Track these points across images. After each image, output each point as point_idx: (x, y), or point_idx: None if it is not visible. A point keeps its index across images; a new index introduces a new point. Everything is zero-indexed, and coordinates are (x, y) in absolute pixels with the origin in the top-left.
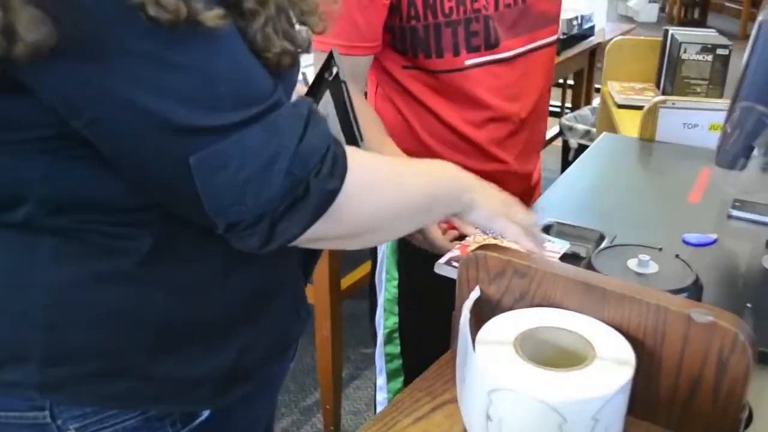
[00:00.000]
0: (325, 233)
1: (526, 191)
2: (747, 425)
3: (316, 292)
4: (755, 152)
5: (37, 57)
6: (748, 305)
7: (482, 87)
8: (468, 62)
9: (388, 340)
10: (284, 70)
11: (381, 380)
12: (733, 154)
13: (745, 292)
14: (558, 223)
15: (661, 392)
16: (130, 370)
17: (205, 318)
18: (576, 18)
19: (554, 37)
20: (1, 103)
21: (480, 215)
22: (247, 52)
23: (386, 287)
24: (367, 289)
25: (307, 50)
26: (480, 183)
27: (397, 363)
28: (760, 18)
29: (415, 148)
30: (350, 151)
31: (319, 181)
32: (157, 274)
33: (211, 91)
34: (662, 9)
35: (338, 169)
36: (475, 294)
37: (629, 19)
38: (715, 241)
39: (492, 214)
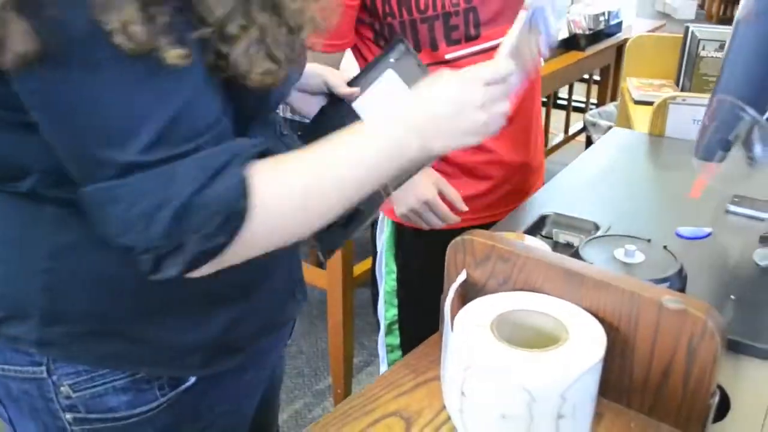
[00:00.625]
0: (238, 259)
1: (523, 181)
2: (724, 414)
3: (329, 278)
4: (737, 148)
5: (23, 65)
6: (732, 297)
7: None
8: (449, 56)
9: (389, 331)
10: (271, 87)
11: (383, 369)
12: (710, 146)
13: (732, 285)
14: (555, 213)
15: (634, 376)
16: (121, 332)
17: (196, 289)
18: (603, 14)
19: None
20: None
21: (443, 146)
22: (200, 89)
23: (386, 279)
24: (371, 279)
25: (297, 62)
26: (427, 115)
27: (398, 353)
28: (737, 16)
29: None
30: (260, 186)
31: (199, 237)
32: None
33: (132, 129)
34: (701, 6)
35: (229, 226)
36: (462, 277)
37: (666, 16)
38: (709, 235)
39: (459, 134)
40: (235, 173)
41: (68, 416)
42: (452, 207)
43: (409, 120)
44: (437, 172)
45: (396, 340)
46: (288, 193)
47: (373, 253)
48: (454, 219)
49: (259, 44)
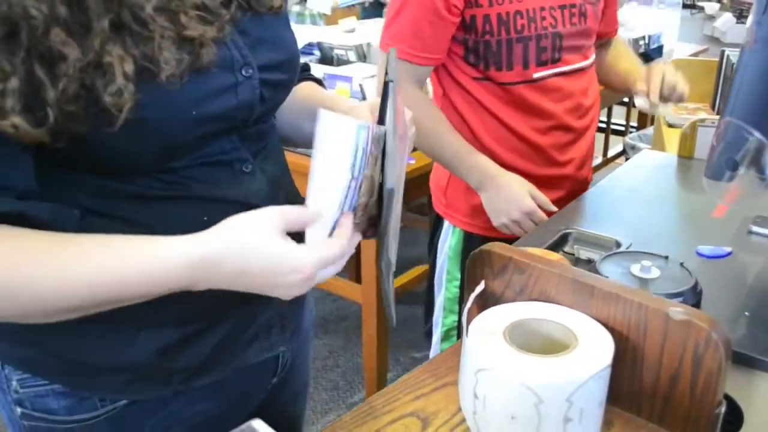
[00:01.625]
0: None
1: (580, 194)
2: (738, 429)
3: (364, 291)
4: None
5: None
6: (746, 313)
7: (548, 97)
8: (536, 75)
9: (445, 337)
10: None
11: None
12: (718, 165)
13: (747, 302)
14: (576, 230)
15: (644, 385)
16: (38, 342)
17: (115, 312)
18: (643, 38)
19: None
20: None
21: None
22: None
23: (447, 287)
24: (421, 293)
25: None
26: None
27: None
28: (742, 43)
29: (485, 155)
30: None
31: None
32: None
33: None
34: None
35: None
36: (480, 287)
37: (715, 40)
38: (729, 254)
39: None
40: None
41: (19, 410)
42: (543, 210)
43: (208, 277)
44: None
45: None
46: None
47: (431, 264)
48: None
49: (17, 96)
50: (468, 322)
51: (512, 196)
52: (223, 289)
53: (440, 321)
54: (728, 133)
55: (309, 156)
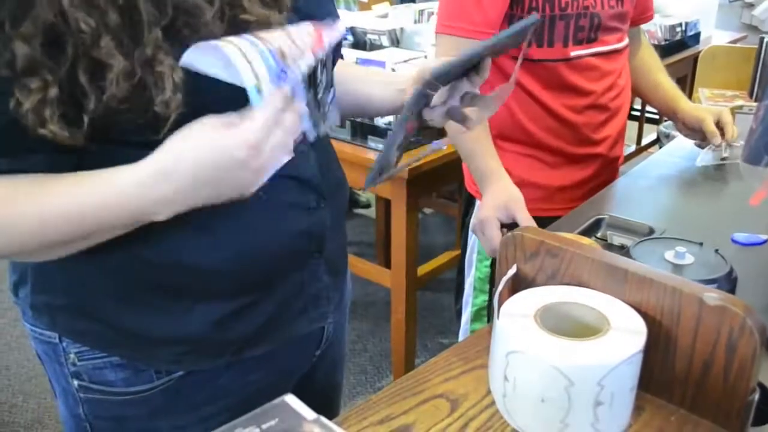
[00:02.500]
0: None
1: (612, 174)
2: None
3: (393, 277)
4: None
5: None
6: None
7: (584, 76)
8: (573, 53)
9: (476, 317)
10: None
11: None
12: (756, 150)
13: None
14: (610, 216)
15: (676, 371)
16: (94, 313)
17: (172, 283)
18: (680, 24)
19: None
20: None
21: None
22: None
23: (477, 267)
24: (449, 279)
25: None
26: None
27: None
28: None
29: (514, 132)
30: None
31: None
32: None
33: None
34: None
35: None
36: (512, 271)
37: (754, 28)
38: (765, 242)
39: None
40: None
41: (75, 383)
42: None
43: (160, 192)
44: (536, 160)
45: (484, 326)
46: None
47: (463, 244)
48: None
49: (56, 105)
50: (499, 305)
51: (483, 203)
52: (190, 206)
53: (470, 300)
54: None
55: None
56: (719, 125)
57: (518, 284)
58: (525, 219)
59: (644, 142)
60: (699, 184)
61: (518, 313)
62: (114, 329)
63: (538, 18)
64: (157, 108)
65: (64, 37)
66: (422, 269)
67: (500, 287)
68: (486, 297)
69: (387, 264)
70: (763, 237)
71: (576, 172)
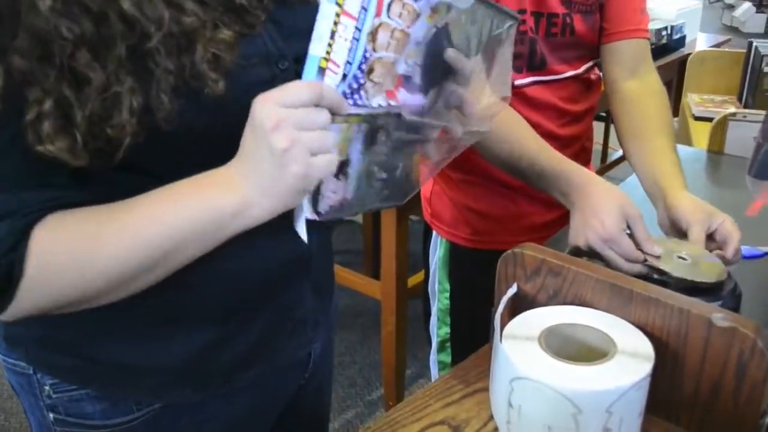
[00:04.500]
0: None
1: None
2: None
3: (383, 288)
4: None
5: None
6: None
7: (529, 106)
8: (516, 82)
9: (441, 348)
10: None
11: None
12: (764, 164)
13: None
14: None
15: (683, 393)
16: (69, 345)
17: (150, 312)
18: (665, 28)
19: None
20: None
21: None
22: None
23: (439, 298)
24: (423, 297)
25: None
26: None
27: (449, 371)
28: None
29: (458, 159)
30: (38, 241)
31: None
32: None
33: None
34: None
35: None
36: (512, 290)
37: (734, 30)
38: (766, 254)
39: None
40: (11, 224)
41: (51, 416)
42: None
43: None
44: (485, 189)
45: (448, 357)
46: (63, 251)
47: (426, 272)
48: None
49: (51, 119)
50: (501, 327)
51: (595, 211)
52: (250, 189)
53: (435, 332)
54: None
55: None
56: (713, 236)
57: (518, 304)
58: (642, 230)
59: None
60: (695, 194)
61: (521, 336)
62: (92, 362)
63: (517, 17)
64: (109, 130)
65: (51, 47)
66: (412, 280)
67: (501, 308)
68: (448, 329)
69: (375, 273)
70: (764, 249)
71: (526, 202)
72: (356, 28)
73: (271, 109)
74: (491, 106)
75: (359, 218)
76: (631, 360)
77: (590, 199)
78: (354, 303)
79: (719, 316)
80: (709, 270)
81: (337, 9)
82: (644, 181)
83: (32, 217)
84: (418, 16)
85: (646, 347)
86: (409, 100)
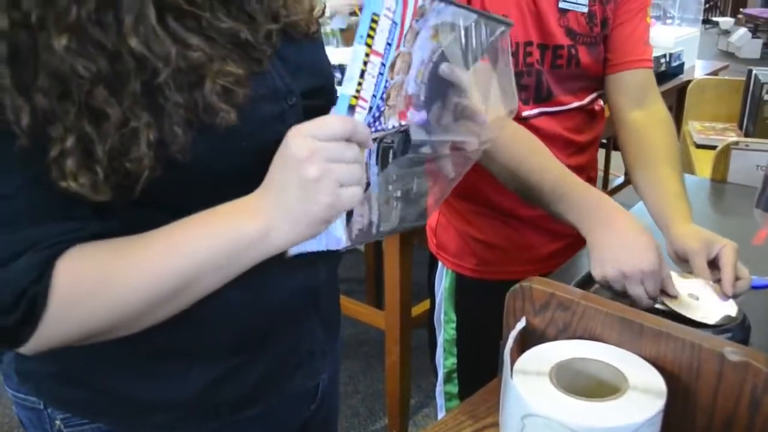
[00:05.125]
0: (42, 344)
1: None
2: None
3: (387, 318)
4: None
5: None
6: None
7: (537, 137)
8: (524, 113)
9: (447, 379)
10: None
11: (441, 417)
12: None
13: None
14: None
15: (696, 428)
16: (80, 380)
17: (160, 345)
18: (664, 56)
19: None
20: None
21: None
22: None
23: (445, 329)
24: (428, 328)
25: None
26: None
27: (456, 402)
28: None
29: (465, 189)
30: (61, 273)
31: None
32: None
33: None
34: (766, 44)
35: (20, 308)
36: (521, 324)
37: (730, 55)
38: None
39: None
40: (33, 257)
41: None
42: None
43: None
44: (493, 219)
45: (455, 388)
46: (85, 282)
47: (431, 302)
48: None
49: (74, 156)
50: (511, 362)
51: (632, 244)
52: (275, 218)
53: (441, 362)
54: None
55: None
56: (714, 262)
57: (527, 338)
58: (667, 269)
59: None
60: (700, 223)
61: (532, 372)
62: (105, 396)
63: (510, 22)
64: (128, 164)
65: (69, 85)
66: (417, 309)
67: (510, 343)
68: (455, 360)
69: (377, 300)
70: None
71: (531, 232)
72: (382, 63)
73: (305, 141)
74: (498, 120)
75: (361, 246)
76: (643, 396)
77: (619, 230)
78: (356, 332)
79: (731, 351)
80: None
81: (366, 50)
82: (651, 212)
83: (55, 249)
84: (417, 34)
85: (658, 383)
86: (417, 117)
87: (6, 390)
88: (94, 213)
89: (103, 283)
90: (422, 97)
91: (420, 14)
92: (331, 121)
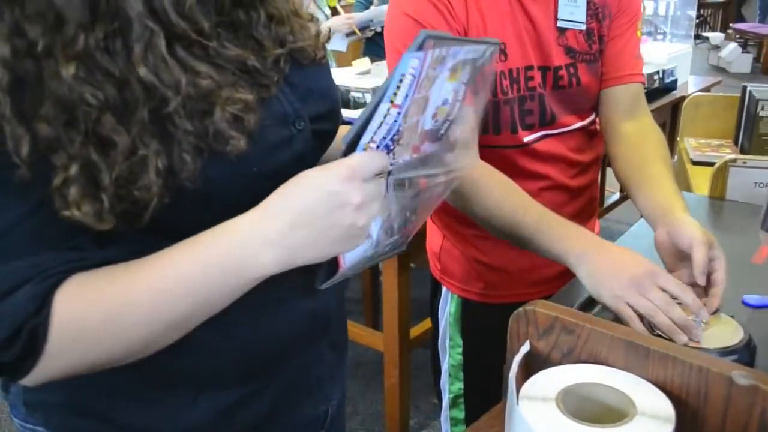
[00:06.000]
0: (43, 376)
1: None
2: None
3: (386, 339)
4: None
5: None
6: None
7: (538, 160)
8: (526, 139)
9: (453, 404)
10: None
11: None
12: None
13: None
14: None
15: None
16: (90, 410)
17: (170, 374)
18: (657, 72)
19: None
20: None
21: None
22: None
23: (450, 353)
24: (431, 354)
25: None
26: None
27: (462, 427)
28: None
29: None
30: (61, 305)
31: None
32: None
33: None
34: (756, 59)
35: (20, 342)
36: (525, 348)
37: (721, 70)
38: None
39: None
40: (33, 289)
41: None
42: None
43: (264, 231)
44: (497, 242)
45: (461, 413)
46: (87, 316)
47: (434, 329)
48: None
49: (78, 184)
50: (517, 387)
51: (624, 259)
52: (291, 255)
53: (447, 387)
54: None
55: None
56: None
57: (531, 362)
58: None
59: None
60: None
61: (538, 397)
62: (111, 426)
63: (497, 42)
64: (137, 192)
65: (75, 113)
66: (415, 330)
67: (514, 368)
68: (461, 384)
69: (374, 322)
70: None
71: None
72: (398, 113)
73: (358, 188)
74: (476, 102)
75: None
76: (652, 422)
77: (609, 253)
78: (354, 353)
79: (740, 374)
80: (722, 331)
81: (389, 105)
82: (644, 205)
83: (54, 280)
84: (434, 79)
85: (667, 408)
86: (430, 149)
87: (13, 420)
88: (101, 242)
89: (109, 315)
90: (442, 132)
91: (439, 62)
92: (372, 160)
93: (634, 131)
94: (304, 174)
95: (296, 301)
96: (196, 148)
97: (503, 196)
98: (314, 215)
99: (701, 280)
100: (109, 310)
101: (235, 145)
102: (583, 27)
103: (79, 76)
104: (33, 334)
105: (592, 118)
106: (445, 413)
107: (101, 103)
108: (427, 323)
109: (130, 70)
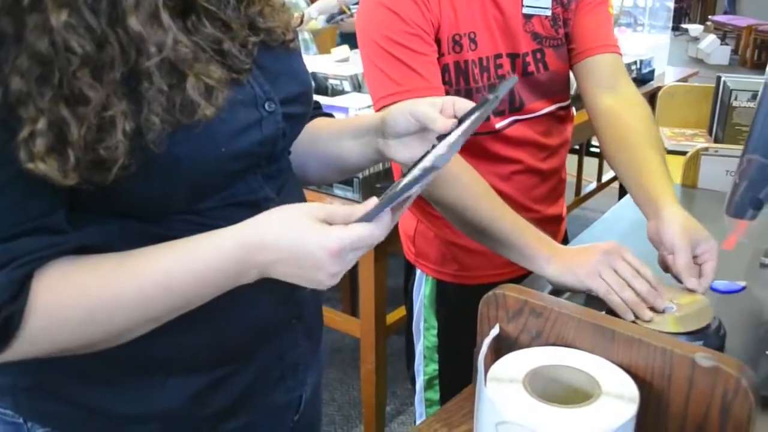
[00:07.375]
0: (20, 355)
1: (556, 232)
2: None
3: (362, 326)
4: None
5: None
6: (767, 353)
7: (510, 144)
8: (498, 125)
9: (428, 386)
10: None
11: (418, 423)
12: (741, 204)
13: (767, 340)
14: None
15: None
16: (59, 393)
17: (139, 357)
18: (635, 63)
19: (569, 101)
20: None
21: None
22: None
23: (425, 335)
24: (407, 335)
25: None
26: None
27: (437, 408)
28: (765, 78)
29: None
30: (43, 290)
31: None
32: None
33: None
34: (734, 51)
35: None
36: (495, 331)
37: (700, 62)
38: (743, 289)
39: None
40: (9, 275)
41: None
42: None
43: (256, 259)
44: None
45: (436, 395)
46: (65, 305)
47: (408, 312)
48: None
49: (46, 137)
50: (485, 369)
51: (591, 246)
52: (275, 278)
53: (421, 369)
54: (752, 171)
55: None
56: (696, 261)
57: (500, 345)
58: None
59: (605, 178)
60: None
61: (505, 379)
62: (82, 409)
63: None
64: (102, 151)
65: (50, 67)
66: (391, 317)
67: (483, 350)
68: (436, 366)
69: (353, 309)
70: (741, 284)
71: None
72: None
73: (339, 262)
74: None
75: None
76: (616, 402)
77: (578, 248)
78: (331, 340)
79: (702, 356)
80: (693, 316)
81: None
82: (635, 194)
83: (30, 267)
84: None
85: (631, 389)
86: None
87: None
88: (71, 224)
89: (89, 305)
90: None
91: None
92: (372, 237)
93: (617, 106)
94: (306, 224)
95: (270, 287)
96: (166, 110)
97: (479, 193)
98: (295, 263)
99: (690, 284)
100: (95, 305)
101: (203, 114)
102: (549, 12)
103: (71, 23)
104: (8, 321)
105: (561, 104)
106: (419, 395)
107: (84, 54)
108: (401, 311)
109: (113, 23)
